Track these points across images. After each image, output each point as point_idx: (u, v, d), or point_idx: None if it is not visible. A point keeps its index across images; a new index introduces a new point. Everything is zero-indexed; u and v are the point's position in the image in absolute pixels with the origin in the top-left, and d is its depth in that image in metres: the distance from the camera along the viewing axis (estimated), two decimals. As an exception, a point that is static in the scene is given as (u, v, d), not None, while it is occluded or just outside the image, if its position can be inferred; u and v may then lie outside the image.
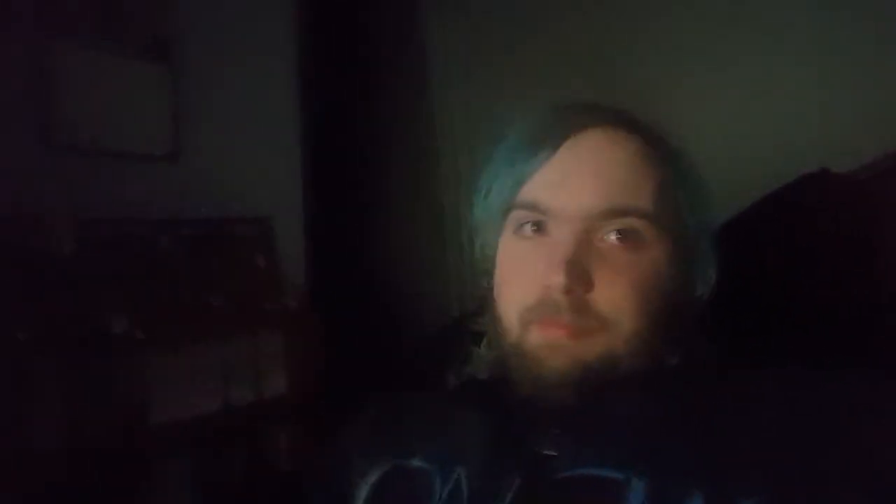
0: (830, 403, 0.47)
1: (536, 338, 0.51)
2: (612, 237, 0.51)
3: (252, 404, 1.45)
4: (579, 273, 0.49)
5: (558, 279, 0.49)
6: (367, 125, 1.80)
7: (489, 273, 0.57)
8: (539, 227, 0.53)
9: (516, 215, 0.54)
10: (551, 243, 0.52)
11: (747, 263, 0.83)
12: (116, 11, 1.39)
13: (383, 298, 1.70)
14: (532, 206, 0.53)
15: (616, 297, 0.50)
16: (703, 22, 1.24)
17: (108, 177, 1.36)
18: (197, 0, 1.50)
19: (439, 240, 1.63)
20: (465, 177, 1.62)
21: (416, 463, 0.54)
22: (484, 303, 0.58)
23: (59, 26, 1.30)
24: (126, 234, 1.38)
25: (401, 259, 1.75)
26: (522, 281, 0.53)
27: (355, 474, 0.57)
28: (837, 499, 0.43)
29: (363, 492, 0.55)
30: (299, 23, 1.72)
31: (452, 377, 0.80)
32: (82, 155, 1.34)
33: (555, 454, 0.50)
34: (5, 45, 1.23)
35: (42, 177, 1.26)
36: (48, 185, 1.25)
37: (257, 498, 1.41)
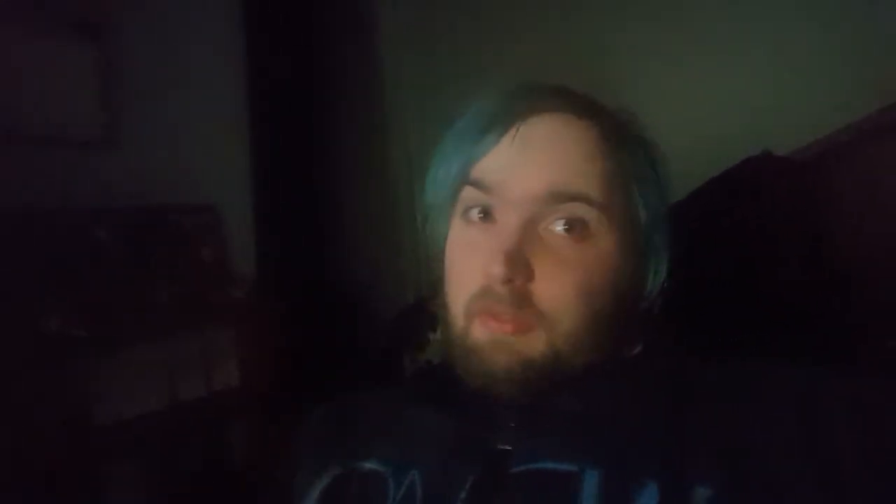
0: (782, 392, 0.47)
1: (479, 332, 0.50)
2: (559, 227, 0.50)
3: (201, 400, 1.40)
4: (520, 264, 0.48)
5: (498, 269, 0.48)
6: (316, 108, 1.75)
7: (439, 258, 0.56)
8: (486, 214, 0.52)
9: (464, 196, 0.53)
10: (496, 231, 0.50)
11: (692, 247, 0.84)
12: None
13: (336, 286, 1.66)
14: (478, 184, 0.52)
15: (557, 291, 0.49)
16: (650, 8, 1.25)
17: (38, 164, 1.28)
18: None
19: (392, 224, 1.60)
20: (416, 159, 1.59)
21: (369, 465, 0.53)
22: (436, 287, 0.56)
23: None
24: (59, 224, 1.30)
25: (354, 246, 1.72)
26: (467, 269, 0.52)
27: (306, 478, 0.55)
28: (791, 485, 0.43)
29: (313, 496, 0.54)
30: (245, 2, 1.65)
31: (408, 363, 0.78)
32: (8, 141, 1.25)
33: (509, 449, 0.49)
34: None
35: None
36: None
37: (209, 495, 1.37)
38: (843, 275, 0.78)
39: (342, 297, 1.67)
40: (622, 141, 0.53)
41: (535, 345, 0.49)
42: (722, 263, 0.80)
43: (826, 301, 0.77)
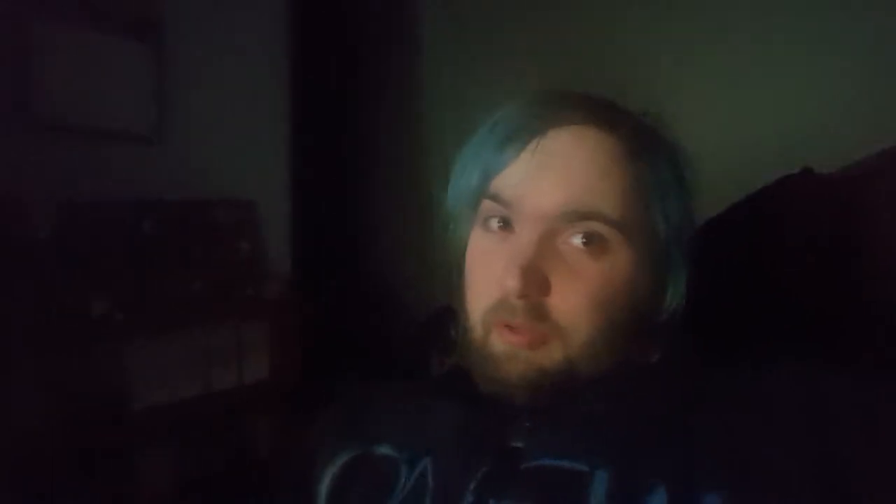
0: (797, 403, 0.47)
1: (496, 343, 0.51)
2: (576, 241, 0.50)
3: (234, 390, 1.44)
4: (536, 278, 0.49)
5: (513, 283, 0.49)
6: (356, 109, 1.78)
7: (460, 266, 0.57)
8: (505, 224, 0.53)
9: (484, 207, 0.54)
10: (514, 243, 0.51)
11: (727, 264, 0.83)
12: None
13: (369, 285, 1.69)
14: (497, 199, 0.53)
15: (573, 305, 0.50)
16: (692, 19, 1.23)
17: (89, 157, 1.34)
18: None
19: (426, 226, 1.62)
20: (452, 161, 1.60)
21: (383, 450, 0.54)
22: (457, 294, 0.57)
23: (40, 2, 1.28)
24: (107, 216, 1.36)
25: (388, 246, 1.74)
26: (485, 279, 0.53)
27: (322, 459, 0.57)
28: (800, 497, 0.43)
29: (328, 476, 0.56)
30: (289, 5, 1.70)
31: (435, 365, 0.79)
32: (63, 135, 1.31)
33: (521, 446, 0.50)
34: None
35: (21, 157, 1.24)
36: (27, 165, 1.23)
37: (239, 483, 1.40)
38: (878, 293, 0.76)
39: (376, 296, 1.69)
40: (643, 150, 0.53)
41: (551, 356, 0.50)
42: (756, 279, 0.79)
43: (860, 321, 0.76)
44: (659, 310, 0.55)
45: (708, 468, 0.44)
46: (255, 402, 1.47)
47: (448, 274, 0.59)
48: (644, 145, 0.53)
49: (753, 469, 0.44)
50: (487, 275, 0.52)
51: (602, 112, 0.54)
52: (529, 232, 0.51)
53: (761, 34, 1.16)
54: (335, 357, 1.51)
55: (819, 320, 0.76)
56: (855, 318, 0.76)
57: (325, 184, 1.70)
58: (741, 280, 0.79)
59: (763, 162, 0.85)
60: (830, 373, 0.49)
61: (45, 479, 1.12)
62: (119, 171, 1.37)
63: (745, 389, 0.49)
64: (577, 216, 0.50)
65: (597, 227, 0.50)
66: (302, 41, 1.70)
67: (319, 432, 0.61)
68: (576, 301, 0.50)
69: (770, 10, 1.15)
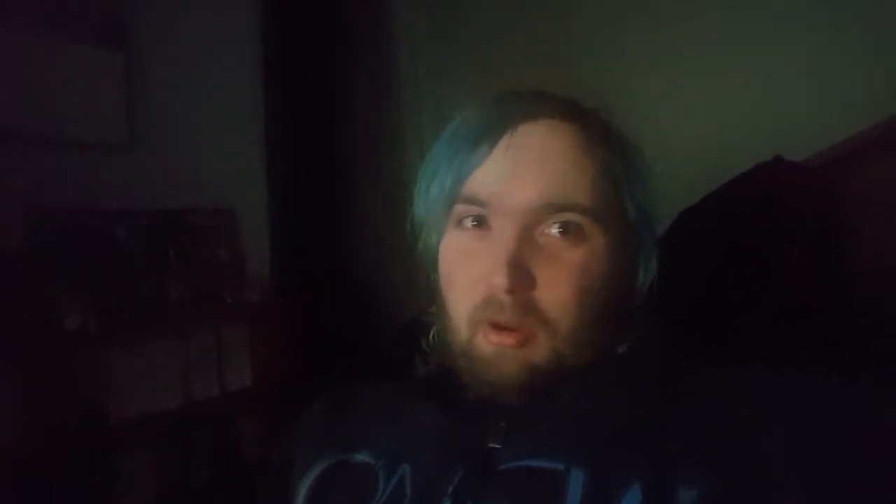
0: (772, 396, 0.47)
1: (482, 345, 0.51)
2: (554, 231, 0.51)
3: (214, 398, 1.42)
4: (522, 273, 0.49)
5: (501, 280, 0.49)
6: (332, 113, 1.77)
7: (433, 267, 0.56)
8: (479, 222, 0.53)
9: (458, 210, 0.54)
10: (493, 240, 0.51)
11: (703, 254, 0.83)
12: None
13: (349, 289, 1.68)
14: (472, 200, 0.53)
15: (558, 295, 0.50)
16: (659, 12, 1.24)
17: (61, 166, 1.31)
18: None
19: (405, 229, 1.61)
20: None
21: (361, 458, 0.54)
22: (432, 296, 0.57)
23: (7, 9, 1.26)
24: (81, 224, 1.34)
25: (366, 249, 1.73)
26: (467, 278, 0.52)
27: (300, 466, 0.57)
28: (777, 489, 0.43)
29: (306, 484, 0.55)
30: (262, 9, 1.68)
31: (418, 368, 0.79)
32: (32, 143, 1.29)
33: (499, 447, 0.50)
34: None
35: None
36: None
37: (221, 491, 1.39)
38: (853, 280, 0.77)
39: (355, 299, 1.68)
40: (606, 141, 0.54)
41: (539, 351, 0.50)
42: (732, 269, 0.80)
43: (833, 306, 0.76)
44: (633, 291, 0.56)
45: (683, 463, 0.44)
46: (236, 408, 1.46)
47: (422, 281, 0.59)
48: (606, 136, 0.54)
49: (728, 463, 0.44)
50: (469, 274, 0.52)
51: (566, 106, 0.55)
52: (508, 227, 0.51)
53: (729, 24, 1.17)
54: (316, 362, 1.49)
55: (796, 310, 0.76)
56: (833, 307, 0.77)
57: (301, 188, 1.68)
58: (717, 270, 0.80)
59: (732, 152, 0.86)
60: (806, 366, 0.49)
61: (29, 493, 1.10)
62: (93, 180, 1.35)
63: (720, 383, 0.50)
64: (554, 208, 0.51)
65: (573, 216, 0.51)
66: (276, 45, 1.69)
67: (296, 439, 0.61)
68: (560, 291, 0.50)
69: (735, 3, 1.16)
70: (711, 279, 0.79)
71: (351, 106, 1.78)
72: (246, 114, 1.64)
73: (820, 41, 1.07)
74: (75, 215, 1.32)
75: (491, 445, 0.50)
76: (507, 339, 0.50)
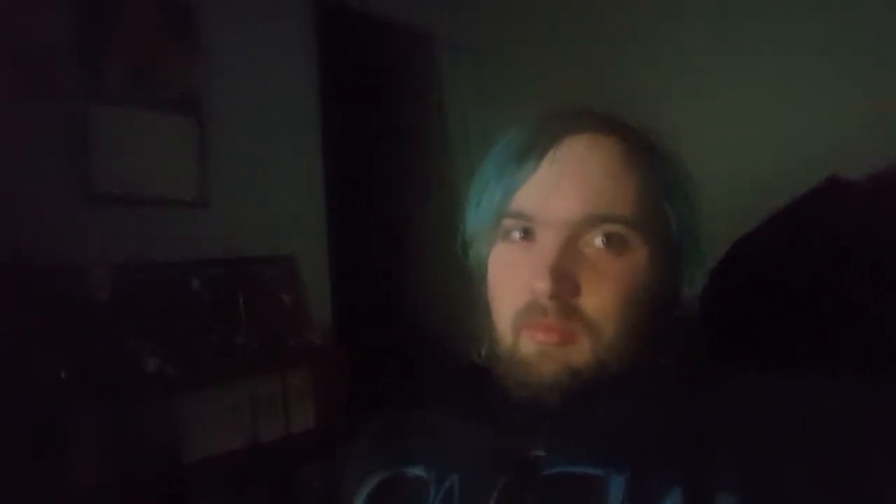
0: (811, 403, 0.47)
1: (527, 344, 0.52)
2: (598, 242, 0.52)
3: (281, 440, 1.47)
4: (565, 279, 0.50)
5: (543, 285, 0.50)
6: (387, 164, 1.86)
7: (483, 281, 0.58)
8: (527, 234, 0.54)
9: (506, 224, 0.55)
10: (538, 249, 0.53)
11: (759, 281, 0.83)
12: (148, 68, 1.49)
13: (408, 332, 1.72)
14: (519, 215, 0.54)
15: (602, 302, 0.51)
16: (711, 35, 1.26)
17: (142, 224, 1.43)
18: (222, 55, 1.60)
19: (463, 272, 1.66)
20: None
21: (414, 471, 0.56)
22: (479, 309, 0.58)
23: (95, 85, 1.40)
24: (159, 277, 1.44)
25: (424, 293, 1.78)
26: (512, 286, 0.54)
27: (355, 482, 0.58)
28: (815, 496, 0.43)
29: (360, 496, 0.57)
30: (319, 70, 1.81)
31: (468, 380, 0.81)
32: (118, 204, 1.42)
33: (543, 454, 0.51)
34: (47, 103, 1.32)
35: (81, 226, 1.33)
36: (86, 234, 1.33)
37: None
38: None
39: (415, 343, 1.71)
40: (648, 155, 0.56)
41: (581, 355, 0.51)
42: (794, 289, 0.79)
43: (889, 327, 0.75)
44: (675, 303, 0.56)
45: (722, 469, 0.45)
46: (302, 450, 1.49)
47: (470, 297, 0.60)
48: (647, 150, 0.56)
49: (767, 470, 0.44)
50: (514, 282, 0.54)
51: (609, 121, 0.56)
52: (553, 238, 0.52)
53: (780, 44, 1.17)
54: (379, 403, 1.52)
55: (857, 328, 0.75)
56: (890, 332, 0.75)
57: (360, 235, 1.76)
58: (775, 297, 0.79)
59: (783, 176, 0.86)
60: (850, 380, 0.49)
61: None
62: (169, 235, 1.46)
63: (759, 390, 0.50)
64: (597, 220, 0.52)
65: (616, 228, 0.52)
66: (331, 106, 1.80)
67: (349, 457, 0.63)
68: (604, 299, 0.51)
69: (786, 18, 1.17)
70: (771, 306, 0.78)
71: (406, 156, 1.87)
72: (305, 170, 1.76)
73: (874, 58, 1.07)
74: (157, 269, 1.42)
75: (534, 453, 0.51)
76: (551, 337, 0.51)
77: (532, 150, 0.55)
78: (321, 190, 1.76)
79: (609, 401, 0.51)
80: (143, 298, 1.40)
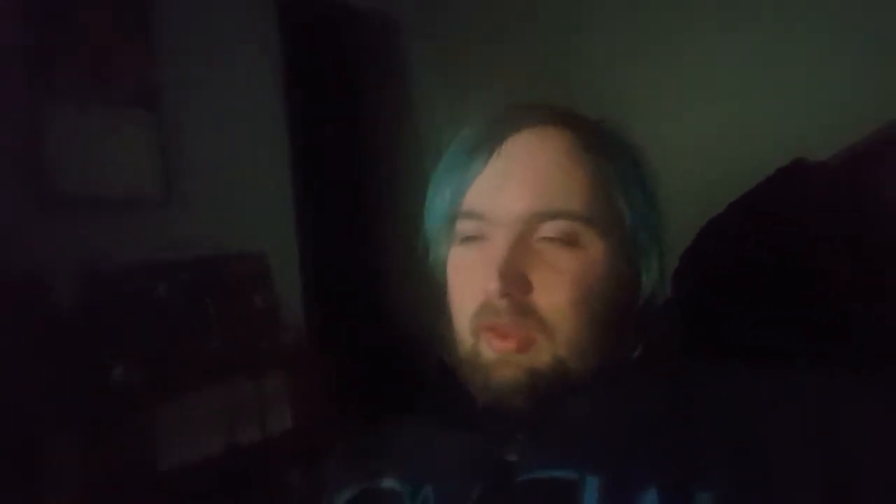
0: (787, 397, 0.47)
1: (486, 351, 0.52)
2: (549, 237, 0.52)
3: (258, 444, 1.44)
4: (515, 277, 0.50)
5: (494, 285, 0.49)
6: (356, 156, 1.82)
7: (442, 286, 0.58)
8: (479, 234, 0.54)
9: (459, 225, 0.55)
10: (489, 249, 0.52)
11: (730, 262, 0.82)
12: (103, 64, 1.42)
13: (383, 331, 1.70)
14: (469, 215, 0.54)
15: (555, 300, 0.51)
16: (675, 20, 1.26)
17: (102, 225, 1.38)
18: (180, 47, 1.54)
19: (427, 274, 1.64)
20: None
21: (388, 484, 0.55)
22: (443, 314, 0.57)
23: (47, 82, 1.34)
24: (124, 281, 1.39)
25: (399, 288, 1.76)
26: (466, 288, 0.54)
27: (329, 497, 0.57)
28: (792, 490, 0.43)
29: None
30: (283, 61, 1.76)
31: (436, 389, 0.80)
32: (77, 206, 1.36)
33: (516, 459, 0.50)
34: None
35: (38, 232, 1.28)
36: (44, 239, 1.27)
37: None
38: (878, 279, 0.75)
39: (390, 342, 1.69)
40: (600, 146, 0.55)
41: (540, 357, 0.51)
42: (759, 275, 0.79)
43: (860, 307, 0.75)
44: (636, 297, 0.56)
45: (699, 465, 0.44)
46: (280, 454, 1.47)
47: (433, 300, 0.60)
48: (600, 141, 0.55)
49: (744, 465, 0.44)
50: (468, 284, 0.53)
51: (558, 114, 0.56)
52: (503, 236, 0.52)
53: (741, 24, 1.18)
54: (357, 404, 1.50)
55: (829, 314, 0.75)
56: (865, 309, 0.75)
57: (330, 232, 1.73)
58: (745, 278, 0.79)
59: (749, 157, 0.86)
60: (827, 371, 0.49)
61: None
62: (132, 236, 1.41)
63: (735, 385, 0.49)
64: (546, 216, 0.52)
65: (566, 224, 0.52)
66: (298, 97, 1.76)
67: (324, 472, 0.62)
68: (558, 295, 0.51)
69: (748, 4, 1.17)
70: (740, 288, 0.78)
71: (375, 148, 1.84)
72: (274, 165, 1.71)
73: (833, 37, 1.07)
74: (121, 273, 1.37)
75: (508, 459, 0.50)
76: (508, 345, 0.50)
77: (480, 147, 0.54)
78: (290, 184, 1.72)
79: (579, 400, 0.50)
80: (108, 305, 1.35)
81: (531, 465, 0.49)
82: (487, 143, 0.54)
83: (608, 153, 0.55)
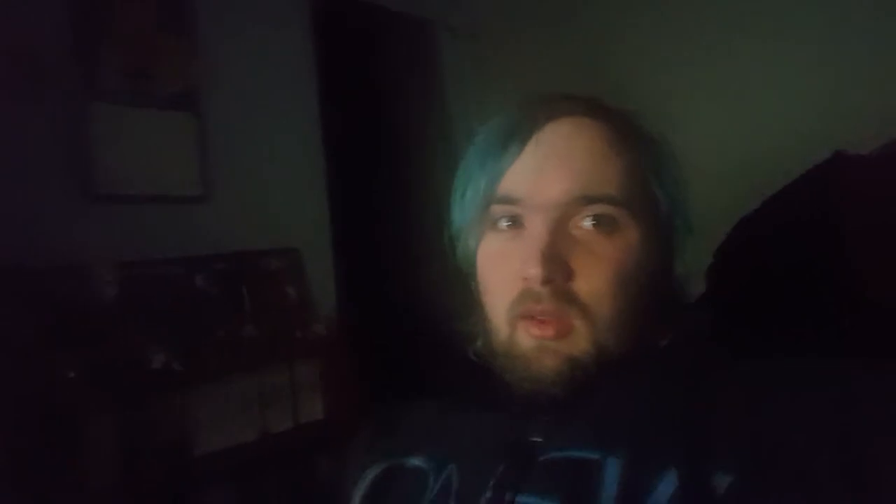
0: (809, 384, 0.47)
1: (524, 339, 0.52)
2: (587, 224, 0.52)
3: (289, 431, 1.48)
4: (556, 263, 0.50)
5: (535, 271, 0.49)
6: (389, 154, 1.85)
7: (473, 274, 0.57)
8: (514, 221, 0.54)
9: (493, 211, 0.54)
10: (527, 235, 0.52)
11: (765, 258, 0.82)
12: (147, 66, 1.48)
13: (414, 321, 1.72)
14: (506, 200, 0.54)
15: (596, 284, 0.51)
16: (709, 14, 1.24)
17: (144, 221, 1.44)
18: (221, 49, 1.59)
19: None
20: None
21: (413, 462, 0.56)
22: (472, 304, 0.57)
23: (94, 85, 1.40)
24: (164, 273, 1.45)
25: (428, 284, 1.78)
26: (503, 276, 0.53)
27: (355, 473, 0.59)
28: (814, 479, 0.42)
29: (361, 487, 0.57)
30: (319, 63, 1.80)
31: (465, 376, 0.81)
32: (121, 202, 1.42)
33: (540, 440, 0.51)
34: (46, 104, 1.32)
35: (84, 226, 1.34)
36: (90, 233, 1.33)
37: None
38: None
39: (419, 334, 1.72)
40: (632, 136, 0.55)
41: (579, 343, 0.51)
42: (796, 270, 0.78)
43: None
44: (670, 282, 0.56)
45: (719, 449, 0.44)
46: (311, 441, 1.51)
47: (460, 293, 0.59)
48: (633, 132, 0.56)
49: (764, 446, 0.44)
50: (505, 272, 0.53)
51: (591, 105, 0.56)
52: (542, 222, 0.51)
53: (781, 17, 1.15)
54: (387, 393, 1.53)
55: (865, 307, 0.74)
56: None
57: (364, 226, 1.76)
58: (781, 273, 0.78)
59: (787, 153, 0.85)
60: (851, 361, 0.48)
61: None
62: (173, 232, 1.47)
63: (757, 371, 0.49)
64: (585, 201, 0.52)
65: (605, 208, 0.52)
66: (332, 98, 1.80)
67: (352, 449, 0.63)
68: (597, 281, 0.51)
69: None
70: (777, 283, 0.77)
71: (408, 146, 1.86)
72: (307, 163, 1.75)
73: (871, 37, 1.05)
74: (161, 266, 1.43)
75: (533, 439, 0.51)
76: (547, 331, 0.50)
77: (516, 134, 0.54)
78: (323, 182, 1.76)
79: (609, 387, 0.51)
80: (148, 296, 1.41)
81: (554, 444, 0.49)
82: (524, 130, 0.54)
83: (640, 143, 0.55)
